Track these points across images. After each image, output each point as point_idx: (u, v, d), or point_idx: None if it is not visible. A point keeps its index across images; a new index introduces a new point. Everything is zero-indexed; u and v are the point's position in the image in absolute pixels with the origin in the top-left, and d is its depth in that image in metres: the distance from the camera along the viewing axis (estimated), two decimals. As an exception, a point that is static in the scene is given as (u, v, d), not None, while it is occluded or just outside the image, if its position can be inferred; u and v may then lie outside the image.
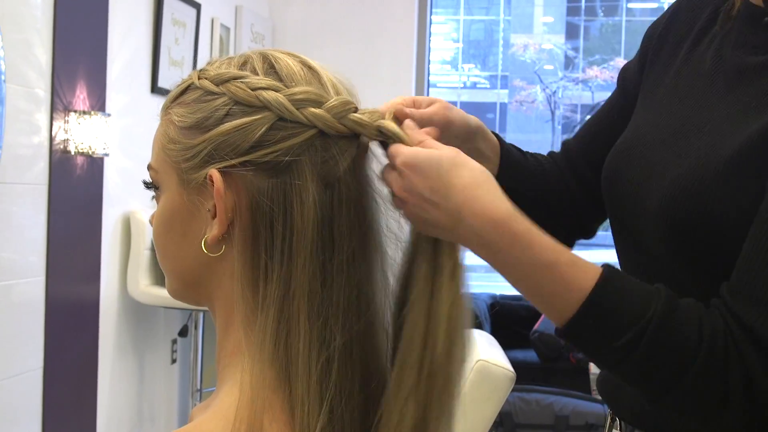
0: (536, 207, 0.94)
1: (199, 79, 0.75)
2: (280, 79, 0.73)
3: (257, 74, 0.73)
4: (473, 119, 0.96)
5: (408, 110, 0.81)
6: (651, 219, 0.92)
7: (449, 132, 0.88)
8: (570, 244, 1.14)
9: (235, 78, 0.73)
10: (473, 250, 0.77)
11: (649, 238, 0.93)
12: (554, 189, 1.11)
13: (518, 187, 0.95)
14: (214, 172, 0.71)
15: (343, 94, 0.76)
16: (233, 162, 0.70)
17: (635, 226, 0.96)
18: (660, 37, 1.07)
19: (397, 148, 0.75)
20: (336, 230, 0.71)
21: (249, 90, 0.72)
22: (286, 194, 0.70)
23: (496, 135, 1.04)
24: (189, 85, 0.76)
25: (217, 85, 0.73)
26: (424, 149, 0.75)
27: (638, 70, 1.09)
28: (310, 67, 0.76)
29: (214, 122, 0.72)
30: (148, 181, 0.79)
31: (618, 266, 0.93)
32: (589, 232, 1.15)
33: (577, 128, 1.19)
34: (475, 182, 0.75)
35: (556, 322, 0.81)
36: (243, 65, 0.75)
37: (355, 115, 0.73)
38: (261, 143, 0.71)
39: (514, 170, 1.05)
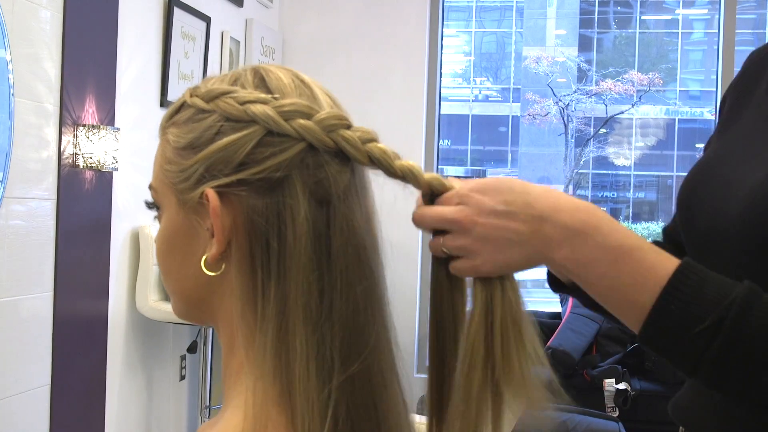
0: None
1: (191, 96, 0.75)
2: (270, 92, 0.73)
3: (246, 88, 0.73)
4: None
5: None
6: (732, 231, 0.90)
7: None
8: None
9: (225, 93, 0.73)
10: (553, 252, 0.78)
11: (730, 253, 0.91)
12: None
13: None
14: (209, 191, 0.71)
15: (338, 108, 0.75)
16: (226, 180, 0.71)
17: (714, 244, 0.94)
18: (734, 86, 1.08)
19: (457, 187, 0.78)
20: (333, 247, 0.71)
21: (237, 105, 0.72)
22: (279, 212, 0.70)
23: None
24: (182, 104, 0.76)
25: (207, 102, 0.73)
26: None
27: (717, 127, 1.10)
28: (302, 81, 0.75)
29: (206, 141, 0.72)
30: (149, 201, 0.80)
31: None
32: None
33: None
34: (549, 188, 0.80)
35: (634, 321, 0.80)
36: (235, 81, 0.75)
37: (347, 132, 0.72)
38: (251, 159, 0.70)
39: None
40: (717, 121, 1.11)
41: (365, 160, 0.73)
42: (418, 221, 0.79)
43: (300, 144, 0.71)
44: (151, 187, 0.78)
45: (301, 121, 0.71)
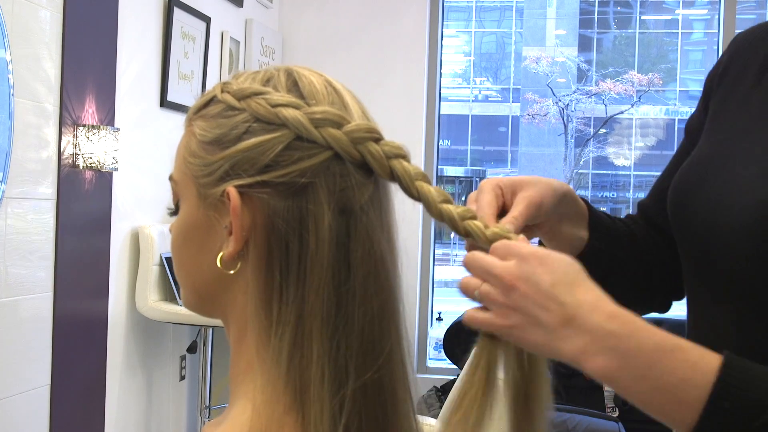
0: (630, 268, 1.03)
1: (222, 92, 0.75)
2: (302, 97, 0.73)
3: (279, 91, 0.73)
4: (560, 188, 0.93)
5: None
6: (736, 240, 0.89)
7: (540, 213, 0.89)
8: (666, 307, 1.12)
9: (257, 93, 0.73)
10: (586, 361, 0.75)
11: (732, 260, 0.90)
12: (644, 249, 1.08)
13: (610, 249, 1.01)
14: (231, 189, 0.71)
15: (367, 119, 0.75)
16: (249, 180, 0.71)
17: (713, 249, 0.93)
18: (722, 74, 1.06)
19: (517, 243, 0.76)
20: (352, 258, 0.71)
21: (269, 107, 0.72)
22: (302, 218, 0.70)
23: (584, 200, 1.03)
24: (212, 98, 0.76)
25: (238, 100, 0.73)
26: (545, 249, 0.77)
27: (702, 110, 1.07)
28: (334, 88, 0.75)
29: (234, 139, 0.72)
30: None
31: None
32: (682, 292, 1.10)
33: (650, 188, 1.17)
34: (595, 288, 0.75)
35: (681, 420, 0.76)
36: (267, 81, 0.75)
37: (374, 145, 0.72)
38: (277, 162, 0.70)
39: (605, 232, 1.04)
40: (704, 110, 1.08)
41: (387, 175, 0.73)
42: (467, 266, 0.78)
43: (327, 152, 0.71)
44: (171, 177, 0.78)
45: (331, 129, 0.71)
